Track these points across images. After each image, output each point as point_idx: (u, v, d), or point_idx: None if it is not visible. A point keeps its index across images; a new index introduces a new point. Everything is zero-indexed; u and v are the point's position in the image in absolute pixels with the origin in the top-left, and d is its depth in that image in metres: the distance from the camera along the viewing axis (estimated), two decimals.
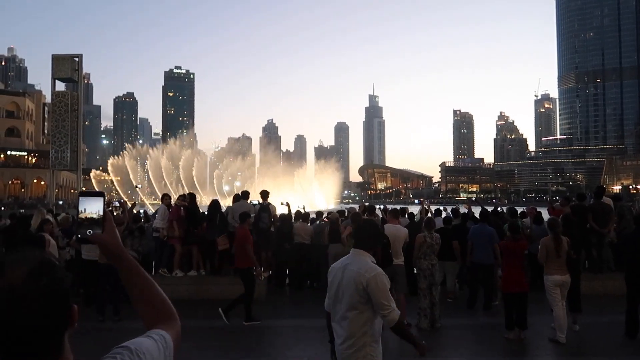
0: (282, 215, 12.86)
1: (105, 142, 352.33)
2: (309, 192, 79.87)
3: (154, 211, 14.67)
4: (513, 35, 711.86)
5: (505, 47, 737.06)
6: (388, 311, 3.43)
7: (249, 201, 12.23)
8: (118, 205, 14.77)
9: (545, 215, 11.12)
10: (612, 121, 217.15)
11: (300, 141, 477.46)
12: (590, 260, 11.09)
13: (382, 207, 13.92)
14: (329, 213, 13.13)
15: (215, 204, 11.86)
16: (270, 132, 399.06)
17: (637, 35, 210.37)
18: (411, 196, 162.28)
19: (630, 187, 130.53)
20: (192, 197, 11.87)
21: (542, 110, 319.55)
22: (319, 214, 13.16)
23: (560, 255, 7.67)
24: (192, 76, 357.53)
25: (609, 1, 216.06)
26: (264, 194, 12.24)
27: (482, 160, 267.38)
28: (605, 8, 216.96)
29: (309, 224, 12.70)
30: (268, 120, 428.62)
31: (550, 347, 7.70)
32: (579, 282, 8.33)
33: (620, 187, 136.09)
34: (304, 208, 13.14)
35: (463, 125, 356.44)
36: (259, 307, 9.61)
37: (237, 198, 12.27)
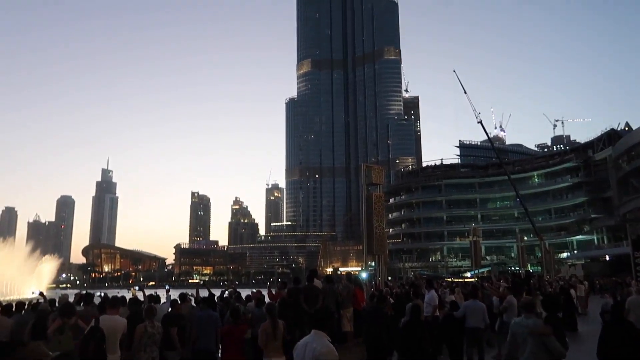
0: None
1: None
2: (13, 276, 67.04)
3: None
4: (251, 128, 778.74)
5: (243, 138, 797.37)
6: None
7: None
8: None
9: (267, 299, 11.88)
10: (327, 211, 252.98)
11: (9, 214, 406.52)
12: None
13: (101, 294, 12.63)
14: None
15: None
16: None
17: (345, 142, 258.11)
18: (142, 279, 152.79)
19: (339, 269, 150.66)
20: None
21: (272, 198, 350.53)
22: (20, 304, 11.08)
23: (277, 338, 8.19)
24: None
25: (326, 112, 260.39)
26: None
27: (217, 242, 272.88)
28: (323, 117, 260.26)
29: (8, 317, 10.53)
30: None
31: None
32: None
33: (332, 269, 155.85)
34: None
35: (200, 208, 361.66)
36: None
37: None
